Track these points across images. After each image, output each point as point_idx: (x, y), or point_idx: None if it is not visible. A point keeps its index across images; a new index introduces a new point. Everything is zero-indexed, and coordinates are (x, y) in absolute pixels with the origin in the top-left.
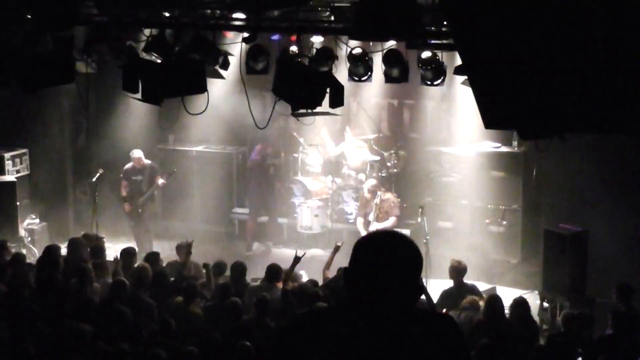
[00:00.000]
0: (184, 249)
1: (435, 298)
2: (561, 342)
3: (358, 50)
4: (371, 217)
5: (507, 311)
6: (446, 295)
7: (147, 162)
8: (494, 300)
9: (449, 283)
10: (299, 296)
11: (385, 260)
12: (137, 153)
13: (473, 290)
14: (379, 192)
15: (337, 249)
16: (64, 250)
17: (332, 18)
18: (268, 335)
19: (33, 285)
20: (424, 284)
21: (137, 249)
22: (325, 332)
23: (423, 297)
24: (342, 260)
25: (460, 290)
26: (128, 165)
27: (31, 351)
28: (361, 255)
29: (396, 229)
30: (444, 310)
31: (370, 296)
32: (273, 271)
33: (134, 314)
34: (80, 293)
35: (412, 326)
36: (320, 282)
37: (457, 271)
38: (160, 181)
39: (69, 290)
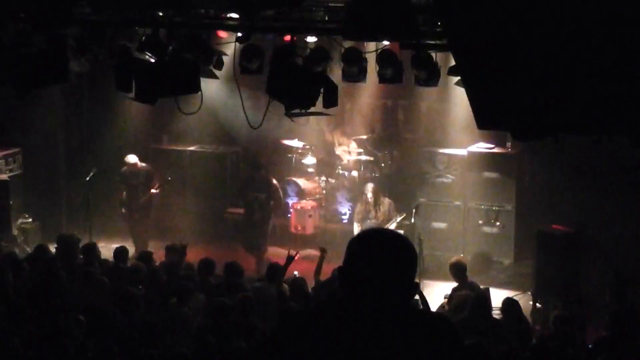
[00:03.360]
0: (180, 249)
1: (429, 298)
2: (552, 343)
3: (352, 51)
4: (372, 220)
5: (499, 311)
6: (457, 294)
7: (143, 165)
8: (480, 297)
9: (444, 284)
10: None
11: (379, 257)
12: (132, 159)
13: (476, 286)
14: (380, 197)
15: (323, 251)
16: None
17: (326, 18)
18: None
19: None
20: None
21: (133, 250)
22: (319, 331)
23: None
24: (336, 262)
25: (466, 288)
26: (124, 169)
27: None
28: (355, 253)
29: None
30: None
31: (364, 294)
32: (274, 270)
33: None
34: (78, 293)
35: (407, 325)
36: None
37: (461, 269)
38: (154, 190)
39: (66, 290)
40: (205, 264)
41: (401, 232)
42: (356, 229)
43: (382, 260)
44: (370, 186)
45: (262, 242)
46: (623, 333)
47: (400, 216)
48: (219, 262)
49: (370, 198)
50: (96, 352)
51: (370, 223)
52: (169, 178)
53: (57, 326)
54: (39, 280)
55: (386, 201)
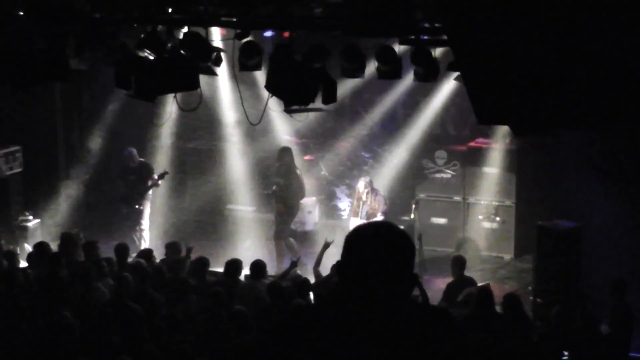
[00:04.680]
0: (185, 249)
1: (429, 293)
2: (552, 339)
3: (351, 47)
4: (362, 214)
5: (500, 307)
6: (451, 288)
7: (141, 160)
8: (484, 294)
9: (443, 279)
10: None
11: (377, 250)
12: (131, 151)
13: (472, 282)
14: (372, 190)
15: (326, 246)
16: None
17: (326, 14)
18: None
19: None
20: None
21: (135, 246)
22: (320, 327)
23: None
24: (335, 257)
25: (462, 283)
26: (123, 165)
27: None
28: (353, 247)
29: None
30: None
31: (363, 288)
32: (258, 268)
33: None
34: (82, 291)
35: (407, 318)
36: (312, 280)
37: (460, 264)
38: (152, 184)
39: (69, 289)
40: (199, 262)
41: (401, 227)
42: (351, 224)
43: (380, 252)
44: (362, 181)
45: (281, 230)
46: (620, 328)
47: (384, 211)
48: (218, 259)
49: (361, 193)
50: (97, 349)
51: (360, 218)
52: (167, 172)
53: (58, 323)
54: (41, 278)
55: (378, 196)
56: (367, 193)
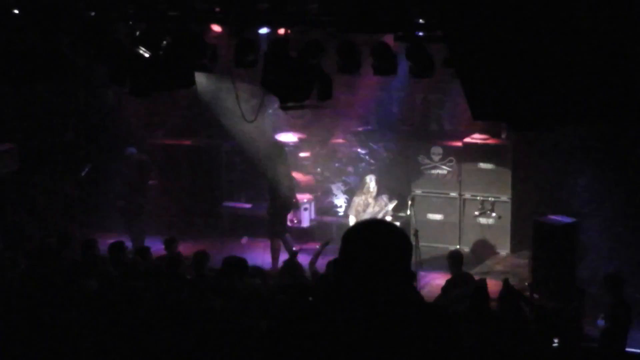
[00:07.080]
0: (175, 244)
1: (426, 289)
2: (547, 335)
3: (346, 43)
4: (366, 213)
5: (495, 303)
6: (449, 284)
7: (141, 157)
8: (480, 290)
9: (440, 275)
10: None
11: (375, 248)
12: (130, 151)
13: (470, 278)
14: (380, 193)
15: (326, 243)
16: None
17: (321, 11)
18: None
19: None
20: (414, 275)
21: (130, 245)
22: (318, 324)
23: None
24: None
25: (460, 279)
26: (122, 162)
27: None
28: (350, 245)
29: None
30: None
31: (360, 285)
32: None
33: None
34: (73, 288)
35: (403, 315)
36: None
37: (457, 260)
38: (151, 182)
39: (63, 285)
40: (199, 255)
41: (397, 224)
42: (352, 221)
43: (377, 250)
44: (373, 177)
45: (273, 230)
46: (620, 324)
47: (392, 204)
48: (214, 256)
49: (373, 189)
50: (96, 346)
51: (367, 214)
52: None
53: (56, 321)
54: (39, 276)
55: (383, 196)
56: (378, 190)
